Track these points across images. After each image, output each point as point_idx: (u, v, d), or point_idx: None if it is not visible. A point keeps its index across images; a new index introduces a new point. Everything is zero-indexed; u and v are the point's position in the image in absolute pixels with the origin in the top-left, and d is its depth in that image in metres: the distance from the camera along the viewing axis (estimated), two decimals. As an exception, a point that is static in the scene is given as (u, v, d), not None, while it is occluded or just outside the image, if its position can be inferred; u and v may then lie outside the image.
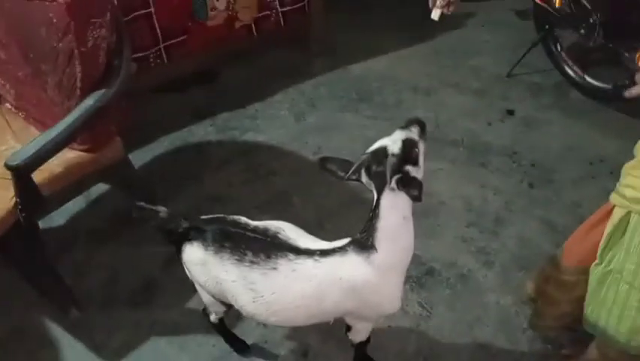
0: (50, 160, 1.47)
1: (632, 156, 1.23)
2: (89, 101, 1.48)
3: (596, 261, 1.27)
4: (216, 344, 1.68)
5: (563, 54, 2.64)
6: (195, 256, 1.29)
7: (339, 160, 1.26)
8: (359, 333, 1.45)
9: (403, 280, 1.30)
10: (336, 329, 1.66)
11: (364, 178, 1.22)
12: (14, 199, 1.46)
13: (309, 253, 1.24)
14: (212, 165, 2.34)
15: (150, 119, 2.49)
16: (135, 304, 1.82)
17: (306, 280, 1.23)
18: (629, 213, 1.18)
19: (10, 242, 1.53)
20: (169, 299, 1.82)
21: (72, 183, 1.66)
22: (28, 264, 1.64)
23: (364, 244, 1.22)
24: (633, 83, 1.12)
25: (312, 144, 2.43)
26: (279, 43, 2.76)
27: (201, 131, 2.51)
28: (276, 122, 2.56)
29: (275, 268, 1.22)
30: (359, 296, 1.26)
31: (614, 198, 1.22)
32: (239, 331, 1.68)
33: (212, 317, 1.54)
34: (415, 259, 1.91)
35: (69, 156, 1.60)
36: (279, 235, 1.27)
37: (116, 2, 1.97)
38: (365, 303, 1.28)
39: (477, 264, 1.92)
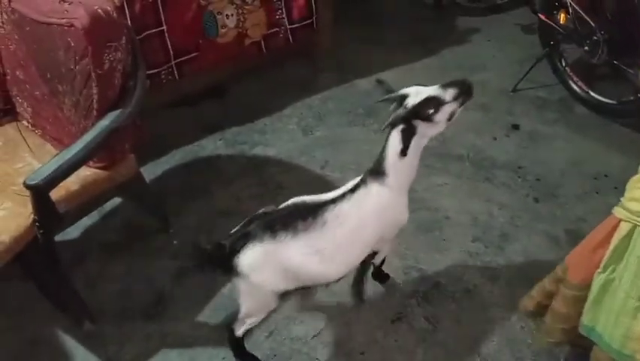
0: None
1: (636, 172, 1.25)
2: (105, 122, 1.53)
3: (599, 270, 1.30)
4: (226, 356, 1.71)
5: (568, 70, 2.67)
6: (255, 256, 1.38)
7: (389, 89, 1.49)
8: (382, 254, 1.73)
9: (406, 197, 1.54)
10: (343, 342, 1.70)
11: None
12: (32, 216, 1.50)
13: (340, 198, 1.45)
14: (221, 179, 2.38)
15: (161, 134, 2.54)
16: (147, 316, 1.86)
17: (350, 218, 1.43)
18: (634, 226, 1.20)
19: (28, 257, 1.58)
20: (180, 312, 1.86)
21: (88, 200, 1.71)
22: (45, 278, 1.69)
23: (377, 170, 1.44)
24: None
25: (320, 158, 2.47)
26: (287, 59, 2.81)
27: (211, 146, 2.56)
28: (285, 136, 2.60)
29: (325, 223, 1.41)
30: (385, 215, 1.48)
31: (618, 212, 1.24)
32: (249, 346, 1.71)
33: (240, 331, 1.58)
34: (422, 274, 1.95)
35: (85, 173, 1.65)
36: (307, 201, 1.46)
37: (129, 23, 2.05)
38: (388, 220, 1.52)
39: (482, 279, 1.94)
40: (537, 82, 2.79)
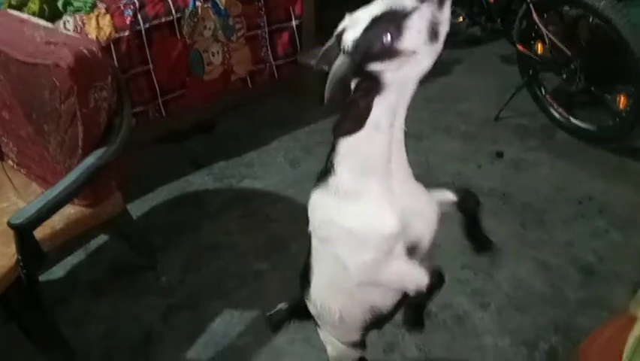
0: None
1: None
2: (91, 160, 1.53)
3: None
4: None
5: (548, 97, 2.73)
6: None
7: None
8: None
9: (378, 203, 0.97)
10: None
11: None
12: (16, 256, 1.49)
13: None
14: (209, 214, 2.38)
15: (148, 170, 2.55)
16: (135, 356, 1.82)
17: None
18: None
19: (10, 298, 1.55)
20: (169, 351, 1.83)
21: (73, 238, 1.70)
22: (28, 319, 1.65)
23: (323, 171, 0.99)
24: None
25: (308, 190, 2.44)
26: (273, 94, 2.84)
27: (199, 180, 2.56)
28: (272, 169, 2.62)
29: None
30: (336, 229, 1.02)
31: (635, 309, 1.15)
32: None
33: None
34: (412, 303, 1.94)
35: (70, 211, 1.64)
36: None
37: (116, 63, 2.08)
38: (344, 234, 1.01)
39: (473, 305, 1.94)
40: (519, 110, 2.84)
